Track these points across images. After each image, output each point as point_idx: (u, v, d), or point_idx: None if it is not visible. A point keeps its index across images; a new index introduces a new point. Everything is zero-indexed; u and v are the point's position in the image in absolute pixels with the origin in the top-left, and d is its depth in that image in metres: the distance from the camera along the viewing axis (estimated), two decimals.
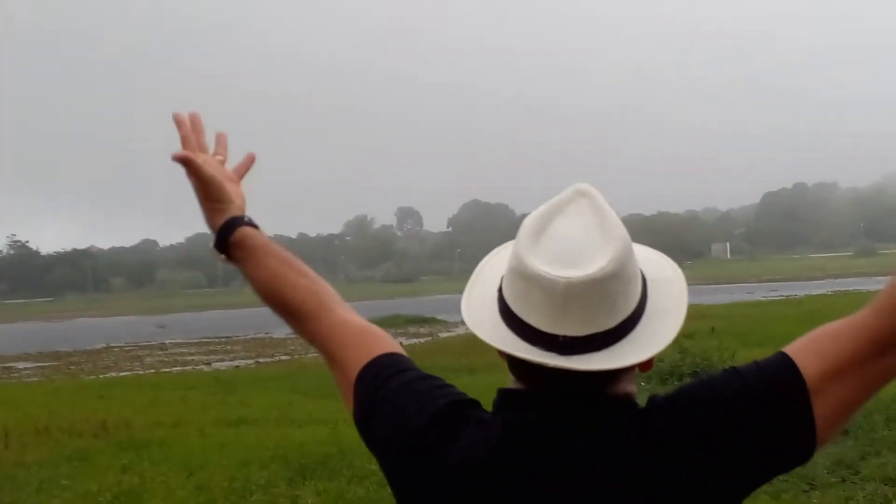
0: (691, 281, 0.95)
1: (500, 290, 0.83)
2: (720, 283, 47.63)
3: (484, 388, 1.16)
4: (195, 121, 1.10)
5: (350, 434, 4.57)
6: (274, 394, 12.24)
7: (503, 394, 0.85)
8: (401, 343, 1.05)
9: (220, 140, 1.14)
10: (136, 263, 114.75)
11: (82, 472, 7.17)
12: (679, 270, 0.87)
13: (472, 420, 0.84)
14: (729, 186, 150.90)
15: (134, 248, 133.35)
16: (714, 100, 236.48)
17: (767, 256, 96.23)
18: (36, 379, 18.80)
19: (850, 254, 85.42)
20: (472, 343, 11.51)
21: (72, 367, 21.31)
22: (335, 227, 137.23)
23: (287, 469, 6.70)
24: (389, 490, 0.89)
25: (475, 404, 0.87)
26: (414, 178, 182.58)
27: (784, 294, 32.45)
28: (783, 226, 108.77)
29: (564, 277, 0.74)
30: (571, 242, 0.77)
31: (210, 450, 7.74)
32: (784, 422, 0.76)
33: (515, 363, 0.81)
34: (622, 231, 0.78)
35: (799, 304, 23.89)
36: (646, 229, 70.34)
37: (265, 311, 1.10)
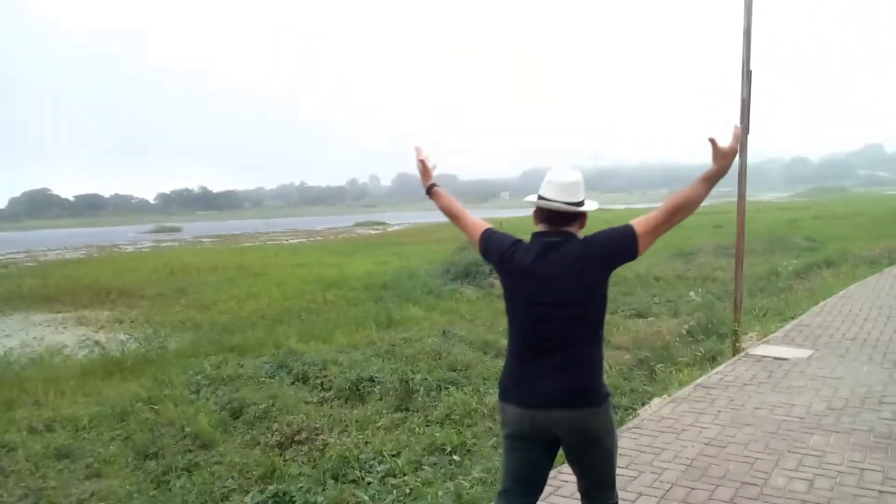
0: None
1: (539, 193, 2.52)
2: None
3: None
4: (420, 155, 2.97)
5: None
6: None
7: (535, 234, 2.54)
8: None
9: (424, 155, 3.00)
10: None
11: None
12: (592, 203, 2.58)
13: (523, 245, 2.55)
14: None
15: None
16: None
17: None
18: None
19: None
20: None
21: None
22: None
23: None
24: None
25: (522, 240, 2.58)
26: None
27: None
28: None
29: (563, 182, 2.49)
30: (565, 174, 2.51)
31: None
32: (625, 247, 2.43)
33: (542, 214, 2.52)
34: (580, 173, 2.53)
35: None
36: None
37: None
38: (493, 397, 6.53)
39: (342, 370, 7.84)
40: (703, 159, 2.43)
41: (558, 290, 2.42)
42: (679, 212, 2.41)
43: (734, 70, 6.96)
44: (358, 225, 60.56)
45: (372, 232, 48.32)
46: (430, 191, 2.96)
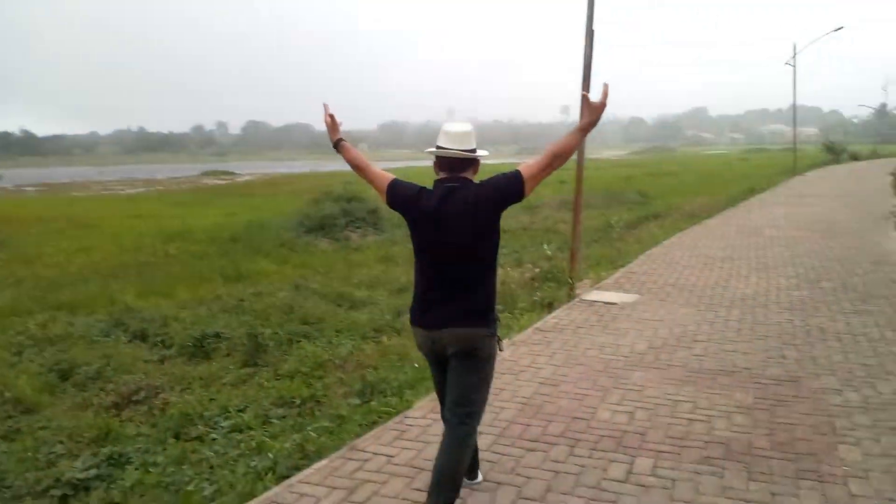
0: None
1: (437, 143, 2.86)
2: None
3: None
4: (328, 111, 3.24)
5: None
6: None
7: (436, 181, 2.89)
8: None
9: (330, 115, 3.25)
10: None
11: None
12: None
13: (426, 191, 2.88)
14: None
15: None
16: None
17: None
18: None
19: None
20: None
21: None
22: None
23: None
24: None
25: (425, 187, 2.90)
26: None
27: None
28: None
29: (455, 132, 2.85)
30: (457, 125, 2.88)
31: None
32: (513, 188, 2.79)
33: (441, 163, 2.87)
34: (470, 125, 2.88)
35: None
36: None
37: None
38: (345, 349, 6.57)
39: (185, 327, 7.50)
40: (553, 117, 2.92)
41: (457, 230, 2.79)
42: (557, 158, 2.81)
43: (580, 31, 7.27)
44: (204, 174, 57.16)
45: (219, 182, 45.77)
46: (338, 145, 3.25)
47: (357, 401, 5.00)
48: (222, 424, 4.99)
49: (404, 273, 10.91)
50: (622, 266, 9.46)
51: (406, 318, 7.90)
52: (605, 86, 2.81)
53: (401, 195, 2.95)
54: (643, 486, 3.35)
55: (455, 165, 2.86)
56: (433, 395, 4.60)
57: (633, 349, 5.64)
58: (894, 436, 3.85)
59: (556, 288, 7.96)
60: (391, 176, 3.05)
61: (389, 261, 12.43)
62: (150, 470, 4.19)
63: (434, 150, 2.87)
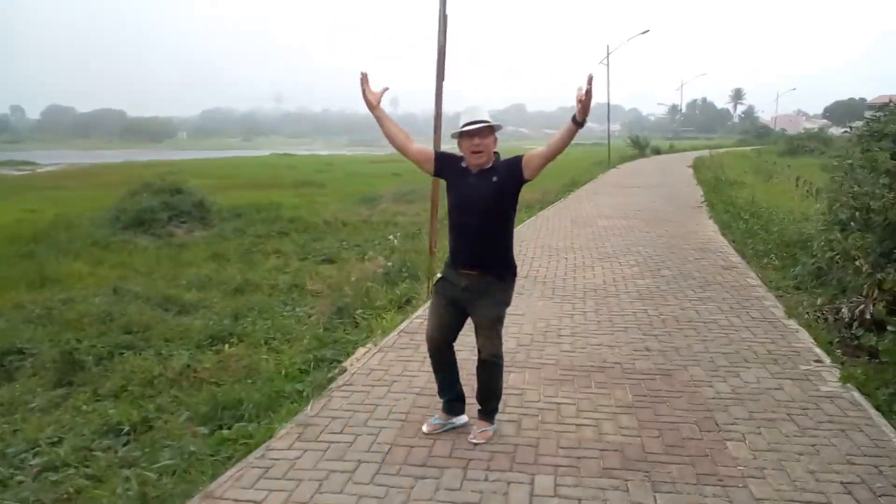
0: None
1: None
2: None
3: None
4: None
5: None
6: None
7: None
8: None
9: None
10: None
11: None
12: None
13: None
14: None
15: None
16: None
17: None
18: None
19: None
20: None
21: None
22: None
23: None
24: None
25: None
26: None
27: None
28: None
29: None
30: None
31: None
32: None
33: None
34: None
35: None
36: None
37: None
38: (179, 361, 5.75)
39: None
40: (385, 110, 3.66)
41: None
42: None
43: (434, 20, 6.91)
44: None
45: (16, 173, 40.03)
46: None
47: (204, 429, 4.27)
48: (31, 462, 4.07)
49: (239, 271, 10.03)
50: None
51: (246, 321, 7.25)
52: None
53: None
54: None
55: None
56: (298, 420, 4.03)
57: (504, 348, 5.39)
58: (773, 427, 3.90)
59: (413, 284, 7.59)
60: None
61: (221, 258, 11.42)
62: None
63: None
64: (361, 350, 5.44)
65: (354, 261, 10.76)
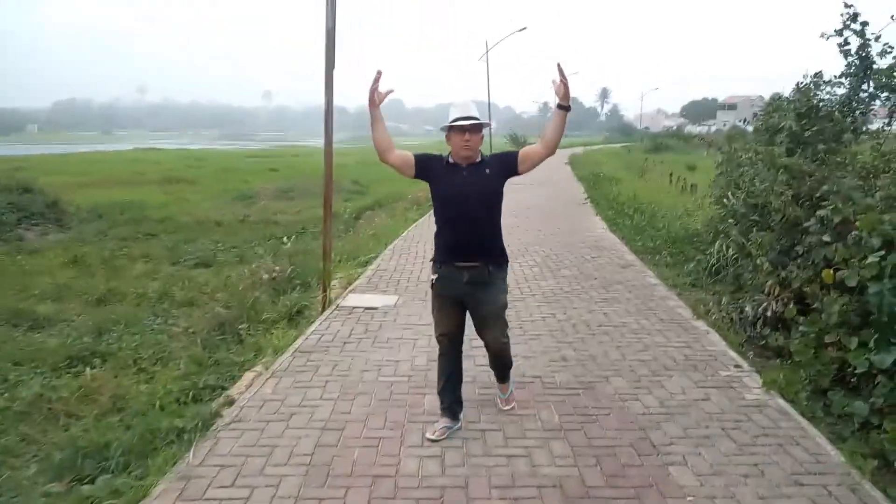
0: None
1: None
2: None
3: None
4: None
5: None
6: None
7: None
8: None
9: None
10: None
11: None
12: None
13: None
14: None
15: None
16: None
17: None
18: None
19: None
20: None
21: None
22: None
23: None
24: None
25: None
26: None
27: None
28: None
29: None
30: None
31: None
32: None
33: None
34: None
35: None
36: None
37: None
38: (29, 389, 4.81)
39: None
40: (257, 102, 2.31)
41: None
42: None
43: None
44: None
45: None
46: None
47: (57, 487, 3.44)
48: None
49: (102, 280, 8.87)
50: (367, 263, 8.72)
51: (111, 337, 6.29)
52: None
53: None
54: None
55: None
56: (179, 470, 3.33)
57: (414, 365, 4.91)
58: (710, 445, 3.65)
59: (304, 292, 6.90)
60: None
61: (81, 264, 10.11)
62: None
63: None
64: (250, 375, 4.75)
65: (234, 264, 9.88)
